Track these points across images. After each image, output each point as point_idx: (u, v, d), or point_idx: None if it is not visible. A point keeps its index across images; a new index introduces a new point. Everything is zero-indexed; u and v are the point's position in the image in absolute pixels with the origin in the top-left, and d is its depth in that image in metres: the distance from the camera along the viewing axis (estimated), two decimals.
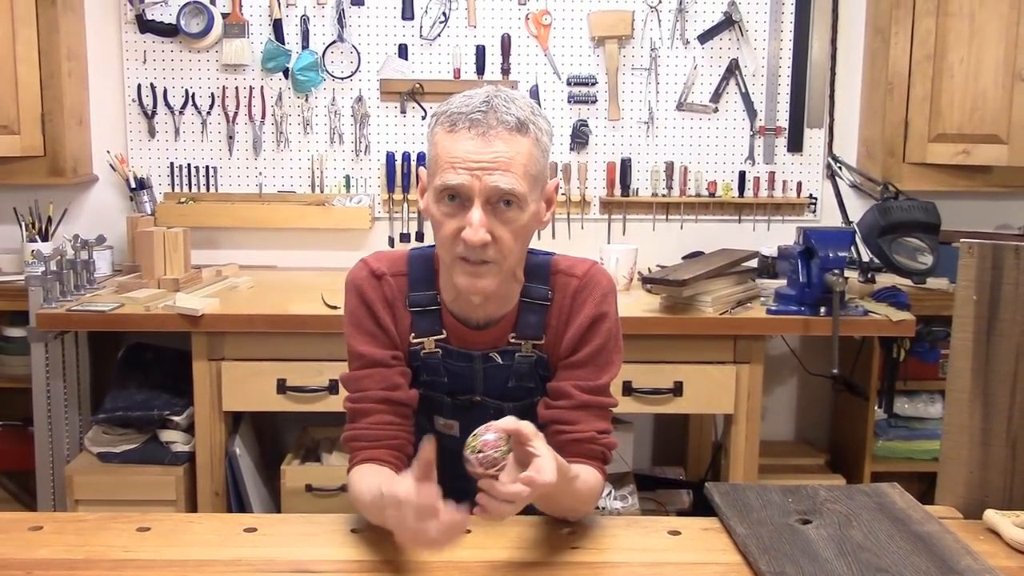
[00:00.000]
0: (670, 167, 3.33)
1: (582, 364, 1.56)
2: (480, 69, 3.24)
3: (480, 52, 3.24)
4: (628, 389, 2.68)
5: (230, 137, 3.27)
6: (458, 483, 1.76)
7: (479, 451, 1.22)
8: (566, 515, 1.50)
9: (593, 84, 3.27)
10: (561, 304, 1.58)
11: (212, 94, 3.26)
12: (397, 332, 1.59)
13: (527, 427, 1.27)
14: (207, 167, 3.29)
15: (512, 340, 1.59)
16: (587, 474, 1.49)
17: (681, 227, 3.37)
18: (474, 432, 1.24)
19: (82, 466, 2.78)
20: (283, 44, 3.23)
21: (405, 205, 3.28)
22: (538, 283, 1.59)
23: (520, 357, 1.59)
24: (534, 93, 3.26)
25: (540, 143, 1.47)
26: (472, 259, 1.44)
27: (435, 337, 1.59)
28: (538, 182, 1.47)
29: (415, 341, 1.59)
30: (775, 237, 3.25)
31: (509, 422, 1.26)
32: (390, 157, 3.27)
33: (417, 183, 1.54)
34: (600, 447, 1.56)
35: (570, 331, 1.57)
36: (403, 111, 3.25)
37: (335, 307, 2.57)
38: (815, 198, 3.36)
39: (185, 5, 3.16)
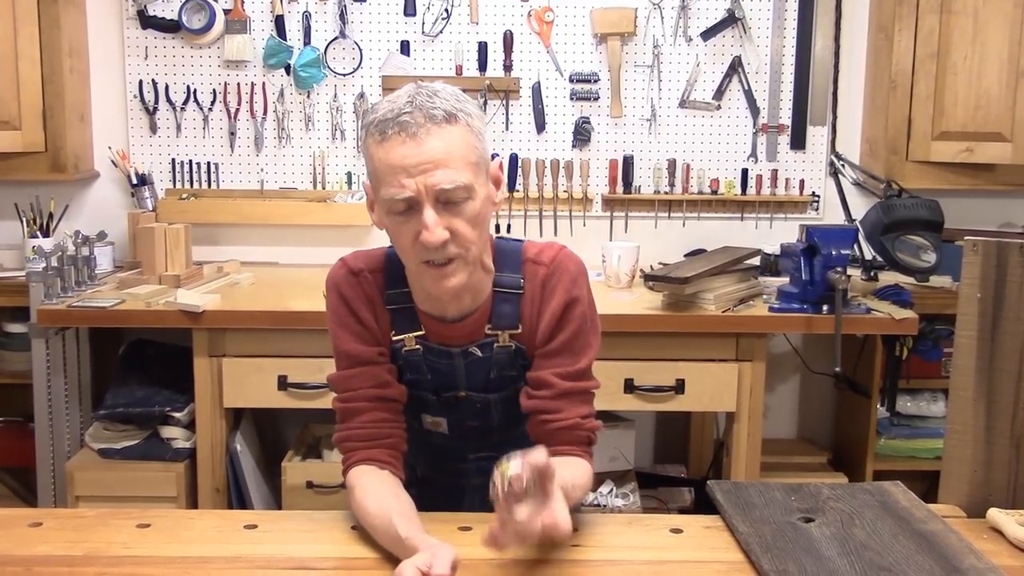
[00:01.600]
0: (672, 164, 3.32)
1: (559, 352, 1.56)
2: (482, 66, 3.23)
3: (482, 49, 3.23)
4: (630, 387, 2.68)
5: (232, 133, 3.27)
6: (453, 480, 1.76)
7: (509, 483, 1.20)
8: None
9: (595, 81, 3.27)
10: (533, 293, 1.57)
11: (214, 90, 3.25)
12: (379, 329, 1.58)
13: (552, 465, 1.25)
14: (208, 163, 3.29)
15: (489, 331, 1.58)
16: (578, 473, 1.49)
17: (683, 225, 3.36)
18: (507, 458, 1.21)
19: (83, 462, 2.78)
20: (285, 40, 3.22)
21: None
22: (510, 272, 1.57)
23: (499, 348, 1.58)
24: (536, 90, 3.25)
25: (473, 128, 1.43)
26: (437, 260, 1.43)
27: (414, 334, 1.58)
28: (480, 167, 1.45)
29: (396, 339, 1.59)
30: (777, 235, 3.24)
31: (540, 458, 1.23)
32: None
33: (364, 197, 1.53)
34: (585, 432, 1.56)
35: (544, 320, 1.56)
36: None
37: None
38: (818, 196, 3.35)
39: (187, 1, 3.15)
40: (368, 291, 1.58)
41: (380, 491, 1.46)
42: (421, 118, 1.38)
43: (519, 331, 1.58)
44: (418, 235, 1.41)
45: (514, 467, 1.21)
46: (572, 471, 1.47)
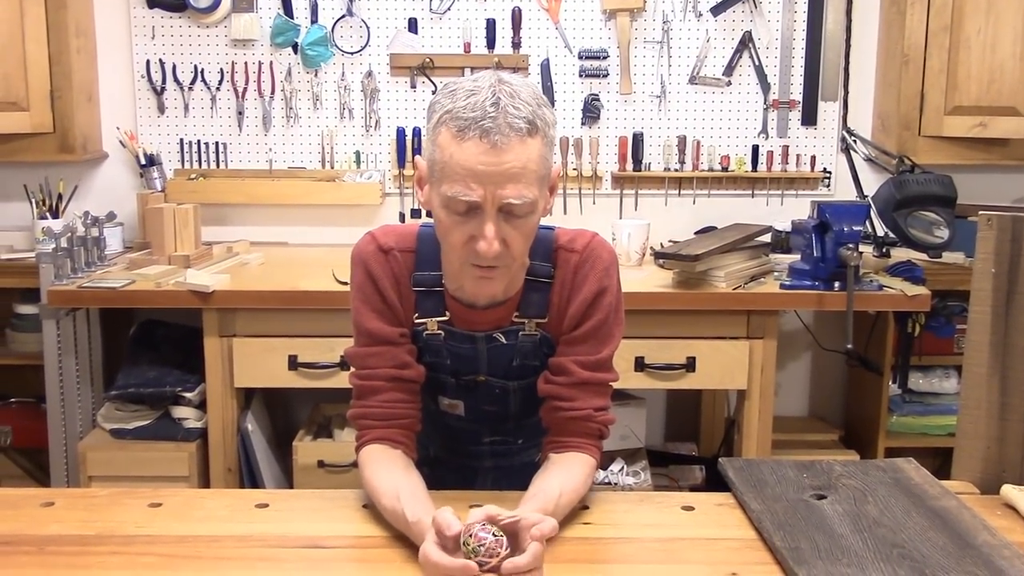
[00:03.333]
0: (683, 141, 3.30)
1: (583, 339, 1.55)
2: (491, 43, 3.21)
3: (490, 26, 3.21)
4: (640, 364, 2.67)
5: (240, 113, 3.26)
6: (466, 461, 1.76)
7: (481, 546, 1.19)
8: None
9: (605, 58, 3.24)
10: (563, 280, 1.56)
11: (221, 70, 3.24)
12: (403, 310, 1.57)
13: (495, 508, 1.24)
14: (217, 143, 3.28)
15: (516, 319, 1.57)
16: (572, 478, 1.46)
17: (694, 202, 3.34)
18: (463, 539, 1.20)
19: (95, 443, 2.79)
20: (292, 19, 3.20)
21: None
22: (541, 260, 1.56)
23: (524, 336, 1.57)
24: (545, 67, 3.23)
25: (547, 138, 1.41)
26: (482, 265, 1.42)
27: (438, 319, 1.57)
28: (545, 179, 1.43)
29: (418, 321, 1.58)
30: (789, 211, 3.23)
31: (481, 515, 1.22)
32: (400, 132, 3.25)
33: (414, 168, 1.50)
34: (597, 424, 1.54)
35: (572, 307, 1.55)
36: (413, 86, 3.23)
37: (346, 283, 2.54)
38: (829, 172, 3.32)
39: None
40: (396, 271, 1.56)
41: (391, 471, 1.46)
42: (504, 126, 1.34)
43: (546, 320, 1.57)
44: (471, 238, 1.39)
45: (478, 533, 1.20)
46: (566, 476, 1.45)
